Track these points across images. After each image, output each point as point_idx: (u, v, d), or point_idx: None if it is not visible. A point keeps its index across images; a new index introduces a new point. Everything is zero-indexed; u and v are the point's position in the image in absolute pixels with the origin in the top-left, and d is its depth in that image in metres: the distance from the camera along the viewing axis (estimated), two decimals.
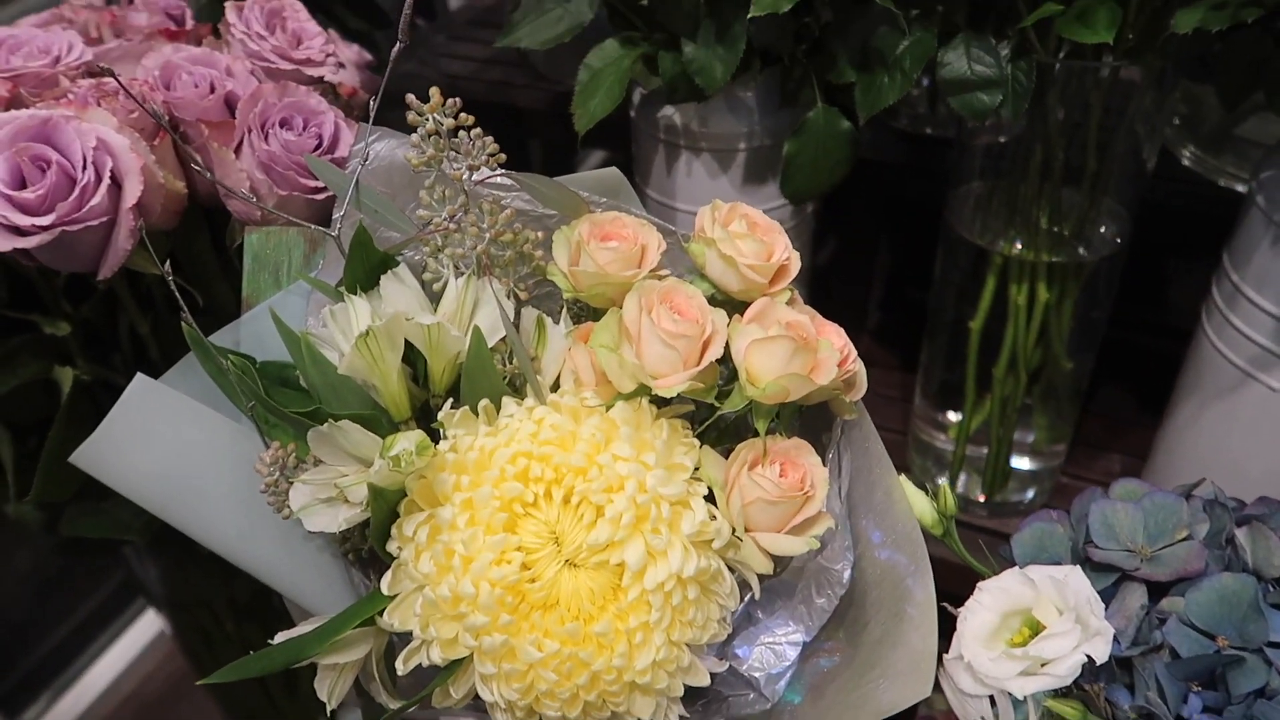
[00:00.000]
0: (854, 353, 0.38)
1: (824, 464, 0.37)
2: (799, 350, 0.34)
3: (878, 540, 0.39)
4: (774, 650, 0.38)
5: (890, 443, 0.71)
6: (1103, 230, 0.56)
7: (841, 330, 0.38)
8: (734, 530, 0.34)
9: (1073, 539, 0.39)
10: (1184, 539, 0.37)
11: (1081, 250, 0.56)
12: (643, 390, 0.35)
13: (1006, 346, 0.59)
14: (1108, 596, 0.37)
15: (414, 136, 0.33)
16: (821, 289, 0.74)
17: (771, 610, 0.38)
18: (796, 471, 0.34)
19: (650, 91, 0.57)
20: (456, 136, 0.34)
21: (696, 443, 0.35)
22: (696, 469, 0.35)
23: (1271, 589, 0.35)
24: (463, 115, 0.34)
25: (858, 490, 0.39)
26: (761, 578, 0.37)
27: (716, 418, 0.36)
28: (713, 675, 0.39)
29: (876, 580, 0.39)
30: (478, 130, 0.35)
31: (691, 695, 0.40)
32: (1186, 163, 0.66)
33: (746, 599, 0.37)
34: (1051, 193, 0.54)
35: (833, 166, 0.53)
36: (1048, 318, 0.58)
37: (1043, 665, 0.34)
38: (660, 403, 0.36)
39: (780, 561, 0.37)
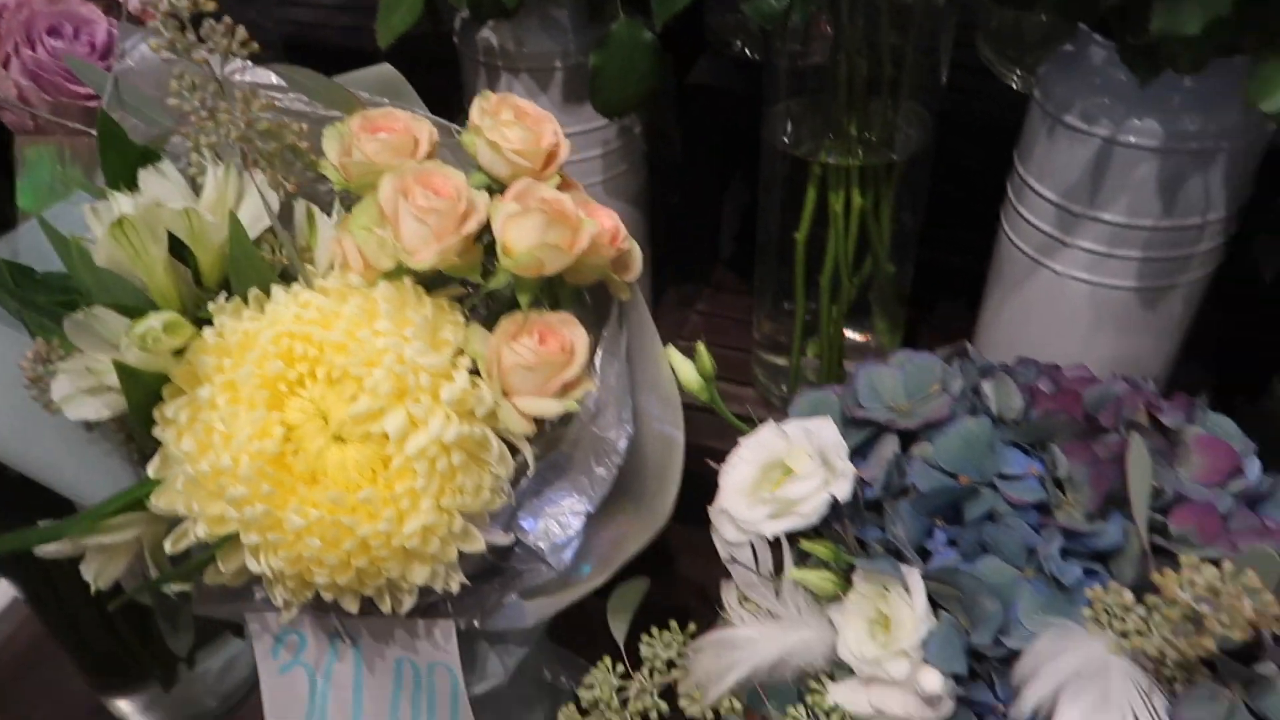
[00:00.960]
0: (624, 233, 0.39)
1: (600, 341, 0.39)
2: (553, 223, 0.35)
3: (656, 414, 0.40)
4: (558, 521, 0.40)
5: (737, 361, 0.73)
6: (908, 133, 0.58)
7: (615, 215, 0.40)
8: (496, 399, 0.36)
9: (843, 403, 0.41)
10: (937, 394, 0.39)
11: (890, 154, 0.58)
12: (403, 270, 0.36)
13: (830, 254, 0.62)
14: (867, 449, 0.39)
15: (153, 22, 0.34)
16: (669, 218, 0.76)
17: (553, 482, 0.39)
18: (557, 340, 0.36)
19: (465, 14, 0.58)
20: (201, 24, 0.34)
21: (463, 320, 0.37)
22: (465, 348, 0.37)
23: (1008, 430, 0.37)
24: (204, 1, 0.34)
25: (637, 367, 0.41)
26: (541, 451, 0.39)
27: (485, 296, 0.37)
28: (507, 551, 0.41)
29: (656, 451, 0.40)
30: (227, 20, 0.35)
31: (488, 573, 0.42)
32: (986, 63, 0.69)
33: (528, 473, 0.39)
34: (857, 102, 0.56)
35: (639, 79, 0.54)
36: (866, 223, 0.60)
37: (792, 507, 0.36)
38: (430, 287, 0.37)
39: (553, 432, 0.39)
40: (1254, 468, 0.37)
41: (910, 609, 0.35)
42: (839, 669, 0.37)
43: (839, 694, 0.37)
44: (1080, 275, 0.51)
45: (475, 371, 0.36)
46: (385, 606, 0.37)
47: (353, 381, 0.34)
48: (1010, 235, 0.54)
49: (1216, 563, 0.30)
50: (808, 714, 0.37)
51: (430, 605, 0.41)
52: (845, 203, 0.59)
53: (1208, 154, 0.46)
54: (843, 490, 0.36)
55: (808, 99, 0.60)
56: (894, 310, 0.67)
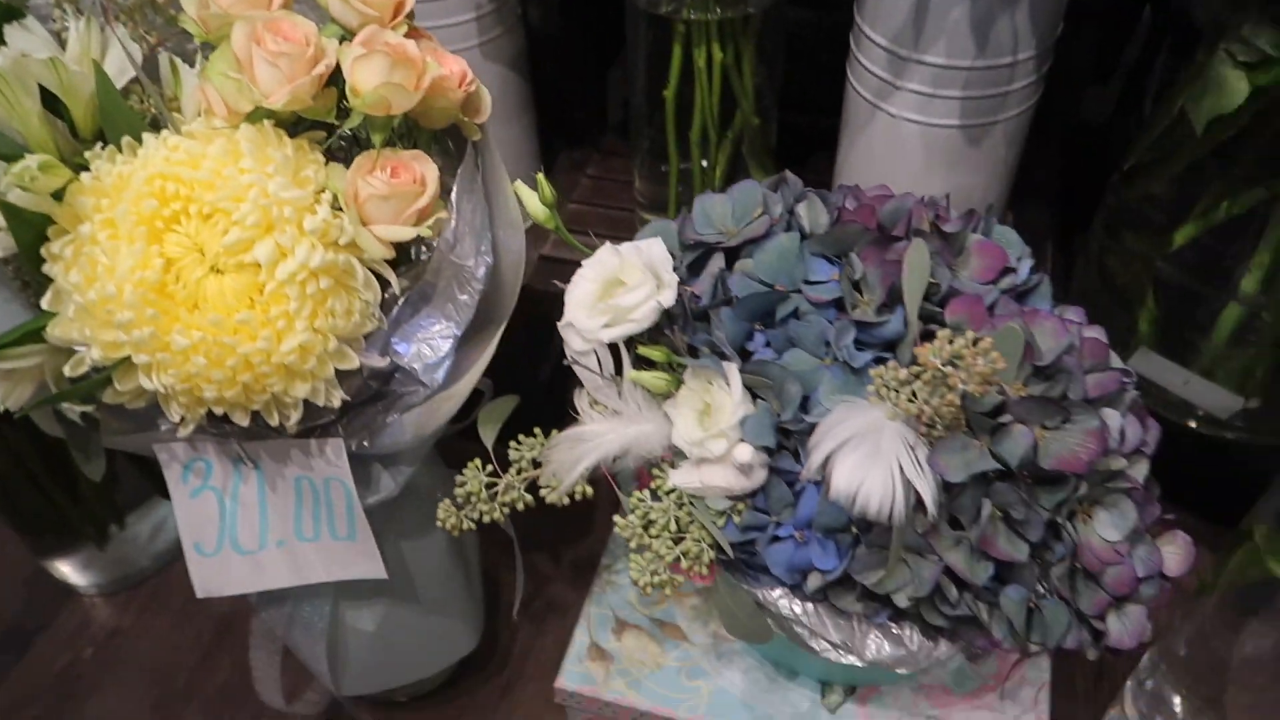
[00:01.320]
0: (471, 77, 0.43)
1: (456, 179, 0.43)
2: (398, 65, 0.39)
3: (511, 246, 0.45)
4: (429, 345, 0.44)
5: (624, 221, 0.78)
6: None
7: (464, 61, 0.43)
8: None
9: (680, 229, 0.46)
10: (759, 216, 0.44)
11: (746, 7, 0.62)
12: (262, 112, 0.39)
13: (698, 109, 0.66)
14: (699, 268, 0.45)
15: None
16: (558, 86, 0.79)
17: (421, 309, 0.44)
18: (409, 173, 0.40)
19: None
20: None
21: (323, 159, 0.40)
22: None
23: (815, 243, 0.43)
24: None
25: (493, 204, 0.45)
26: (409, 281, 0.43)
27: (344, 138, 0.41)
28: (388, 375, 0.46)
29: (512, 278, 0.45)
30: None
31: (374, 398, 0.47)
32: None
33: (398, 300, 0.43)
34: None
35: None
36: (730, 77, 0.64)
37: (626, 315, 0.41)
38: (293, 131, 0.41)
39: (418, 264, 0.43)
40: (1025, 267, 0.43)
41: (729, 397, 0.41)
42: (678, 456, 0.44)
43: (676, 477, 0.43)
44: (911, 116, 0.56)
45: (338, 207, 0.40)
46: (273, 420, 0.42)
47: (223, 215, 0.38)
48: (853, 82, 0.59)
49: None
50: (651, 495, 0.44)
51: (322, 427, 0.46)
52: (707, 58, 0.63)
53: None
54: (668, 298, 0.41)
55: None
56: (765, 164, 0.72)
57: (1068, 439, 0.37)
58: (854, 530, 0.40)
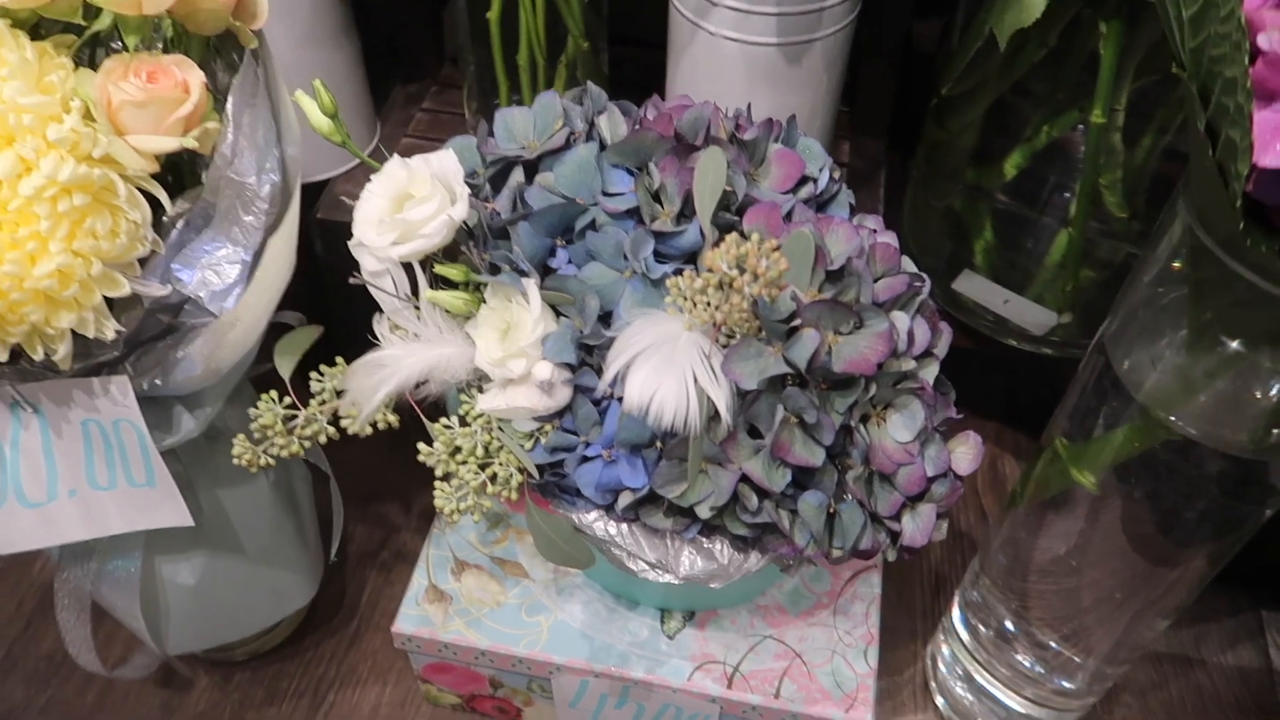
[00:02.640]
0: None
1: (231, 90, 0.40)
2: None
3: (295, 160, 0.43)
4: (215, 271, 0.42)
5: None
6: None
7: None
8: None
9: (479, 142, 0.44)
10: (560, 129, 0.43)
11: None
12: None
13: (524, 32, 0.63)
14: (500, 183, 0.43)
15: None
16: (391, 18, 0.76)
17: (203, 231, 0.41)
18: (169, 78, 0.37)
19: None
20: None
21: (70, 64, 0.37)
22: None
23: (613, 154, 0.42)
24: None
25: (278, 119, 0.43)
26: (187, 202, 0.41)
27: (94, 42, 0.38)
28: (177, 308, 0.43)
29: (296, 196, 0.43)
30: None
31: (165, 333, 0.44)
32: None
33: (177, 223, 0.41)
34: None
35: None
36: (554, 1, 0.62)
37: (416, 229, 0.39)
38: (36, 35, 0.37)
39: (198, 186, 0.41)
40: (825, 177, 0.43)
41: (528, 314, 0.40)
42: (485, 381, 0.42)
43: (483, 402, 0.42)
44: (729, 34, 0.55)
45: (91, 119, 0.37)
46: (36, 354, 0.39)
47: None
48: (676, 3, 0.58)
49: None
50: (460, 421, 0.42)
51: (109, 365, 0.43)
52: None
53: None
54: (460, 211, 0.39)
55: None
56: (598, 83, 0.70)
57: (858, 342, 0.37)
58: (658, 445, 0.40)
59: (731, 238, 0.36)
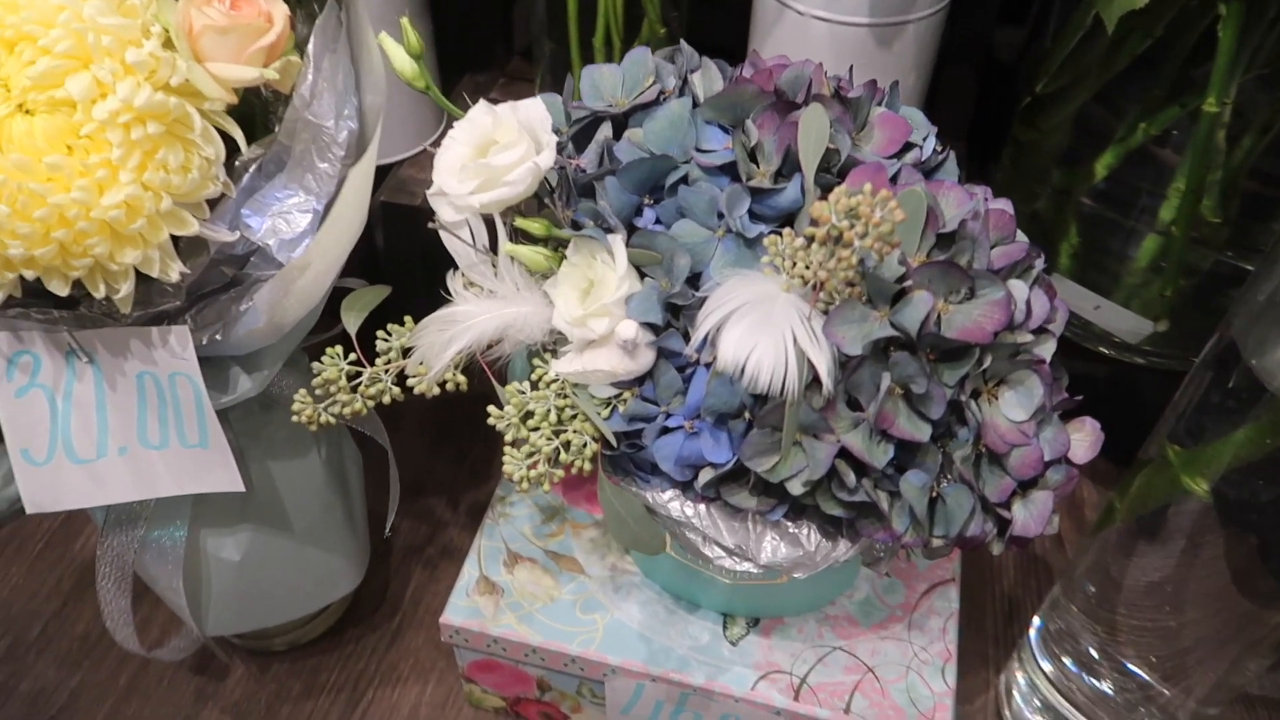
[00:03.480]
0: None
1: (314, 31, 0.39)
2: None
3: (376, 108, 0.41)
4: (286, 219, 0.40)
5: None
6: None
7: None
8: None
9: (565, 100, 0.42)
10: (651, 85, 0.41)
11: None
12: None
13: (601, 14, 0.62)
14: (585, 141, 0.41)
15: None
16: (458, 13, 0.75)
17: (275, 176, 0.39)
18: (252, 7, 0.35)
19: None
20: None
21: None
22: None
23: (708, 109, 0.39)
24: None
25: (360, 68, 0.41)
26: (260, 145, 0.39)
27: None
28: (244, 260, 0.41)
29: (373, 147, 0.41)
30: None
31: (229, 285, 0.42)
32: None
33: (251, 166, 0.39)
34: None
35: None
36: None
37: (500, 176, 0.37)
38: None
39: (253, 124, 0.39)
40: (930, 144, 0.40)
41: (613, 271, 0.37)
42: (560, 344, 0.40)
43: (558, 365, 0.39)
44: (819, 13, 0.53)
45: (172, 46, 0.35)
46: (98, 291, 0.37)
47: (29, 43, 0.33)
48: None
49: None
50: (532, 386, 0.40)
51: (169, 315, 0.41)
52: None
53: None
54: (546, 159, 0.37)
55: None
56: None
57: (972, 310, 0.34)
58: (747, 417, 0.37)
59: (841, 189, 0.33)
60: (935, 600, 0.56)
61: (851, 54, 0.54)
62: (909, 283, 0.34)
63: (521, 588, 0.56)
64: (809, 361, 0.33)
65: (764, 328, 0.34)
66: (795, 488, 0.36)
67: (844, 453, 0.35)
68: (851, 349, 0.34)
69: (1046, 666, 0.58)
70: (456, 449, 0.75)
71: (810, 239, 0.34)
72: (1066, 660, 0.57)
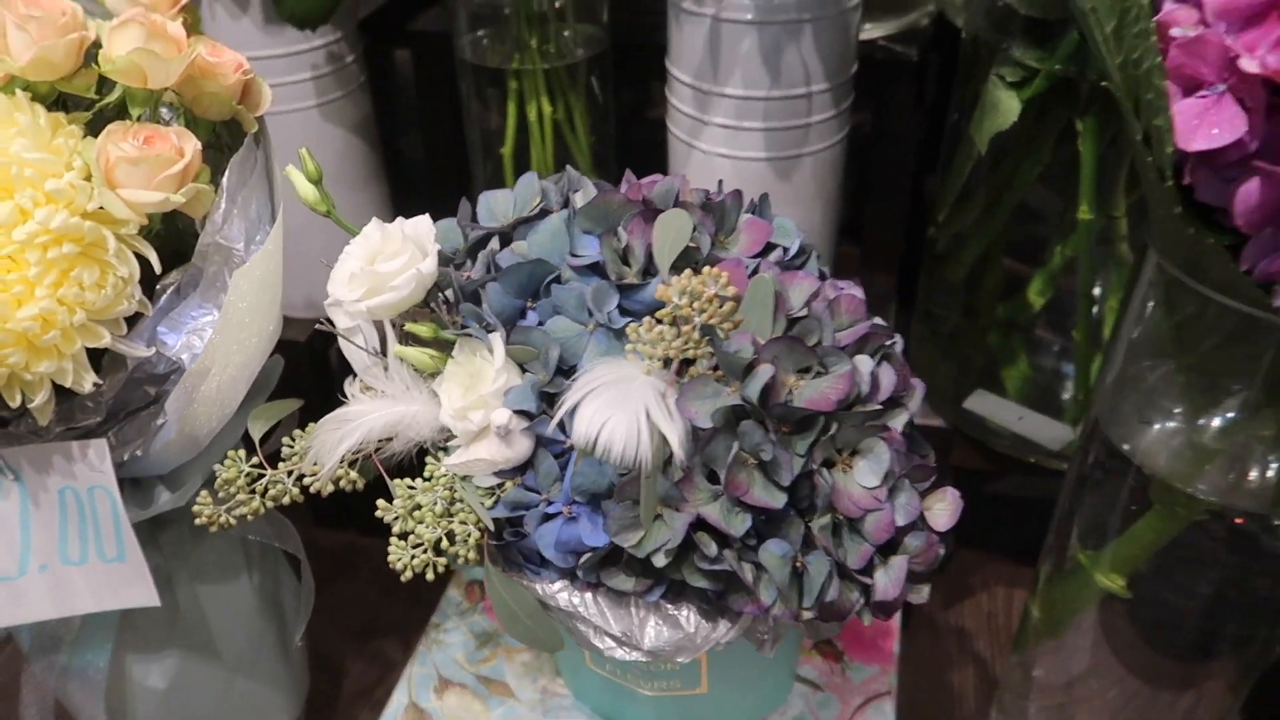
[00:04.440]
0: (247, 66, 0.44)
1: (230, 167, 0.43)
2: (154, 36, 0.39)
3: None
4: (199, 336, 0.43)
5: None
6: (581, 43, 0.65)
7: (243, 58, 0.44)
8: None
9: (460, 221, 0.46)
10: (538, 204, 0.45)
11: (567, 58, 0.64)
12: (18, 82, 0.39)
13: (534, 166, 0.67)
14: (477, 255, 0.44)
15: None
16: (413, 156, 0.81)
17: (190, 296, 0.43)
18: (165, 142, 0.40)
19: None
20: None
21: (79, 132, 0.40)
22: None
23: (583, 220, 0.43)
24: None
25: (274, 200, 0.45)
26: (175, 272, 0.43)
27: (97, 110, 0.41)
28: (162, 377, 0.44)
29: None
30: None
31: (148, 404, 0.45)
32: None
33: (170, 288, 0.43)
34: (534, 27, 0.63)
35: None
36: (564, 133, 0.67)
37: (386, 282, 0.40)
38: (55, 110, 0.41)
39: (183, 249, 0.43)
40: (795, 244, 0.44)
41: (492, 365, 0.40)
42: (452, 441, 0.42)
43: (448, 461, 0.41)
44: (721, 150, 0.58)
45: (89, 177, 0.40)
46: (14, 400, 0.40)
47: None
48: (670, 126, 0.61)
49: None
50: (424, 480, 0.42)
51: (90, 430, 0.44)
52: (539, 112, 0.65)
53: (796, 26, 0.54)
54: (429, 266, 0.40)
55: (489, 28, 0.66)
56: None
57: (820, 384, 0.36)
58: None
59: (686, 273, 0.36)
60: (870, 714, 0.55)
61: (756, 187, 0.58)
62: (757, 358, 0.36)
63: (451, 713, 0.55)
64: (661, 433, 0.35)
65: (619, 404, 0.36)
66: (660, 560, 0.37)
67: (705, 524, 0.36)
68: (703, 420, 0.36)
69: None
70: (410, 591, 0.75)
71: (659, 320, 0.36)
72: None
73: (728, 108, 0.57)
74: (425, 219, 0.42)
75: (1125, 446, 0.43)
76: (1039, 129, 0.56)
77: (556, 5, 0.64)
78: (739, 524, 0.36)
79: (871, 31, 0.65)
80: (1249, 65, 0.27)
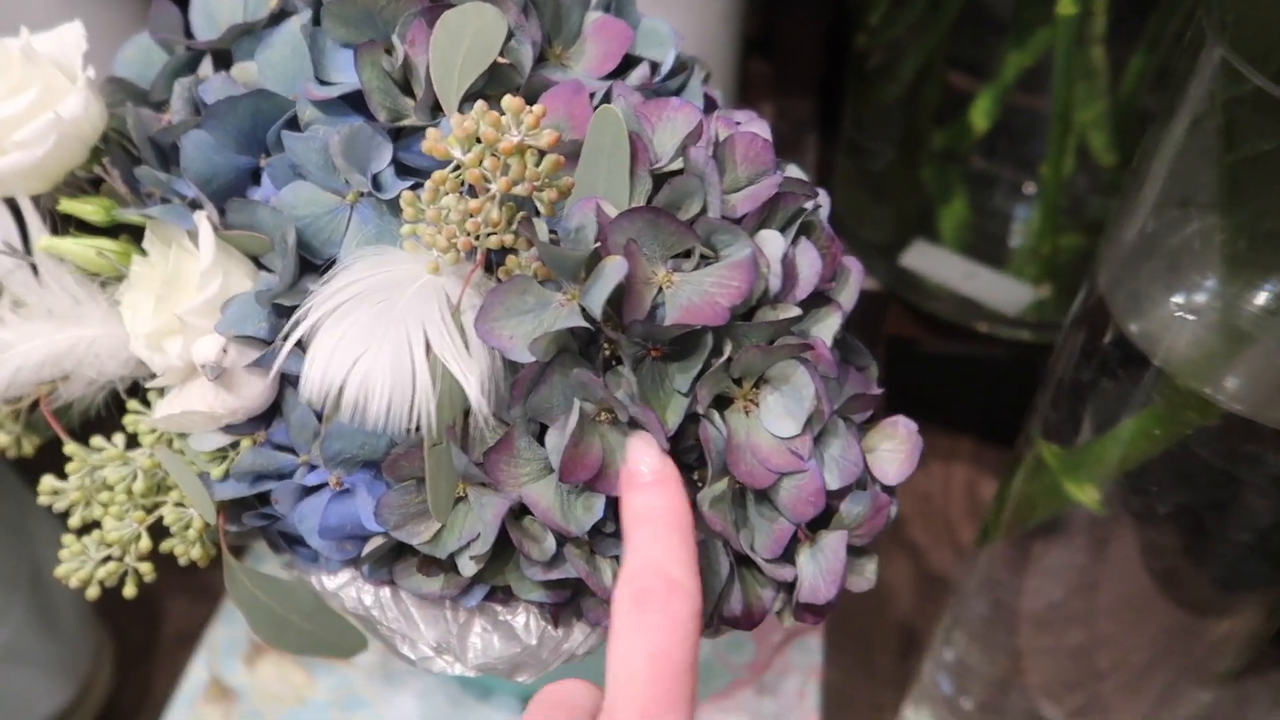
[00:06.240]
0: None
1: None
2: None
3: None
4: None
5: None
6: None
7: None
8: None
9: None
10: (277, 5, 0.29)
11: None
12: None
13: None
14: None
15: None
16: None
17: None
18: None
19: None
20: None
21: None
22: None
23: (337, 25, 0.28)
24: None
25: None
26: None
27: None
28: None
29: None
30: None
31: None
32: None
33: None
34: None
35: None
36: None
37: (10, 139, 0.25)
38: None
39: None
40: (670, 59, 0.29)
41: (196, 263, 0.25)
42: (160, 380, 0.28)
43: (160, 410, 0.27)
44: None
45: None
46: None
47: None
48: None
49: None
50: (128, 442, 0.28)
51: None
52: None
53: None
54: (72, 107, 0.25)
55: None
56: None
57: (703, 280, 0.23)
58: None
59: (477, 107, 0.22)
60: (792, 654, 0.45)
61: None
62: (601, 244, 0.23)
63: (264, 689, 0.44)
64: (452, 374, 0.22)
65: (380, 328, 0.22)
66: (467, 566, 0.24)
67: (528, 511, 0.23)
68: (519, 353, 0.22)
69: (943, 711, 0.47)
70: None
71: (450, 188, 0.22)
72: (965, 701, 0.46)
73: None
74: (74, 27, 0.26)
75: (1132, 327, 0.31)
76: None
77: None
78: (583, 514, 0.23)
79: None
80: None
